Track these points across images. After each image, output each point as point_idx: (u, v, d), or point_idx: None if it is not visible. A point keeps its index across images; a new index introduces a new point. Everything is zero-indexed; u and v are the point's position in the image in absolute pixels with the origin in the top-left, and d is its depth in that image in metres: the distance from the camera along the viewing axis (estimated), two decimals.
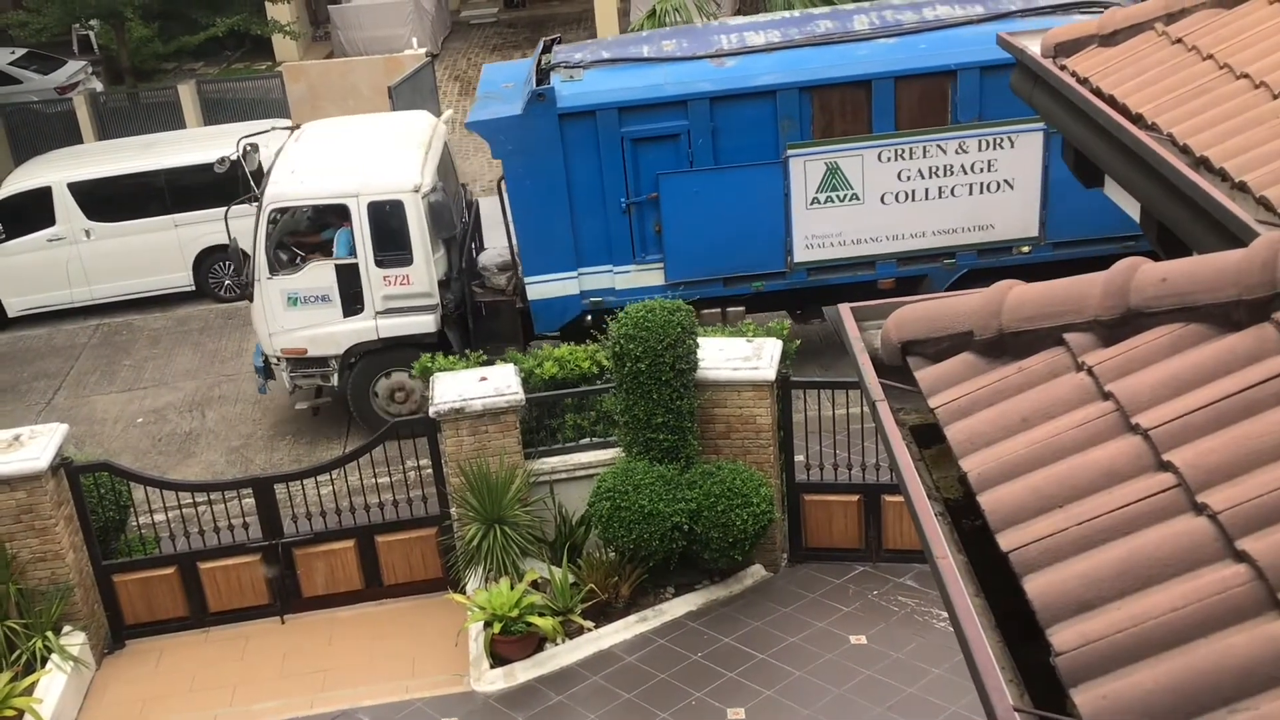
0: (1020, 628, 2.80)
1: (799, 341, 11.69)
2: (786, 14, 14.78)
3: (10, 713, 9.33)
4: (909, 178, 12.72)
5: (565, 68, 13.23)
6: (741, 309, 13.37)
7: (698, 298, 12.85)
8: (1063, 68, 6.28)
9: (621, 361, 9.91)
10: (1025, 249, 13.10)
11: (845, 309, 4.22)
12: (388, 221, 12.93)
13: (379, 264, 12.99)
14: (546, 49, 14.27)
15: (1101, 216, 12.64)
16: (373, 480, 11.13)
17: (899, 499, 10.17)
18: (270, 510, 10.69)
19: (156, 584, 10.72)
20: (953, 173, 12.69)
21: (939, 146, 12.59)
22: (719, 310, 13.25)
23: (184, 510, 10.89)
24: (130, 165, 17.42)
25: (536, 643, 9.93)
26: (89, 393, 15.64)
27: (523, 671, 9.72)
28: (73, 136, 21.54)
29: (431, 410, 10.31)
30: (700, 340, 10.32)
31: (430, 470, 10.75)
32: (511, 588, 9.92)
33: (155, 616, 10.79)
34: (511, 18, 30.38)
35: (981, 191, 12.79)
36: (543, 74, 13.24)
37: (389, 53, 22.93)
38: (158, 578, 10.72)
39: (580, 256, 13.17)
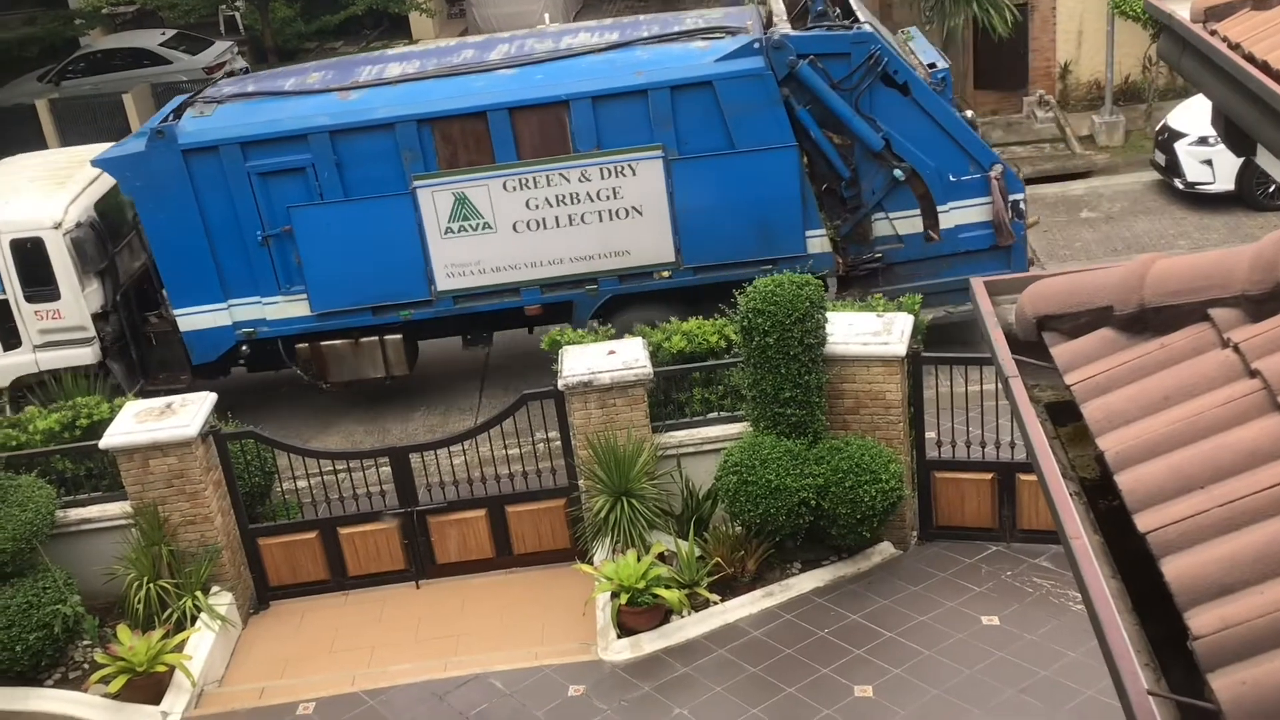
0: (1157, 610, 2.73)
1: (927, 318, 11.49)
2: (440, 44, 14.99)
3: (162, 668, 9.80)
4: (537, 206, 12.81)
5: (204, 102, 13.46)
6: (399, 337, 13.42)
7: (350, 326, 13.16)
8: (1213, 33, 6.01)
9: (750, 336, 9.88)
10: (665, 274, 13.12)
11: (978, 282, 4.14)
12: (31, 258, 13.18)
13: (29, 299, 13.29)
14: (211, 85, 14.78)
15: (736, 242, 12.88)
16: (503, 451, 11.34)
17: (1034, 478, 9.94)
18: (406, 479, 10.99)
19: (299, 548, 11.13)
20: (580, 200, 12.73)
21: (562, 175, 12.65)
22: (358, 341, 13.37)
23: (324, 477, 11.26)
24: None
25: (663, 614, 10.01)
26: None
27: (649, 642, 9.82)
28: None
29: (560, 383, 10.44)
30: (829, 315, 10.22)
31: (559, 442, 10.91)
32: (638, 559, 10.02)
33: (298, 579, 11.20)
34: None
35: (612, 218, 12.80)
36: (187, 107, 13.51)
37: (524, 28, 23.10)
38: (300, 542, 11.12)
39: (227, 288, 13.31)
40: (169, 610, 10.23)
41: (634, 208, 12.72)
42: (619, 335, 11.42)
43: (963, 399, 10.64)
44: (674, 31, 13.13)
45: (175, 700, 9.76)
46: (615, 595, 9.96)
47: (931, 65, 13.16)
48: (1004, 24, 17.67)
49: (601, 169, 12.58)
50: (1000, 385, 3.76)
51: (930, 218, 12.86)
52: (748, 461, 9.90)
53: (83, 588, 10.36)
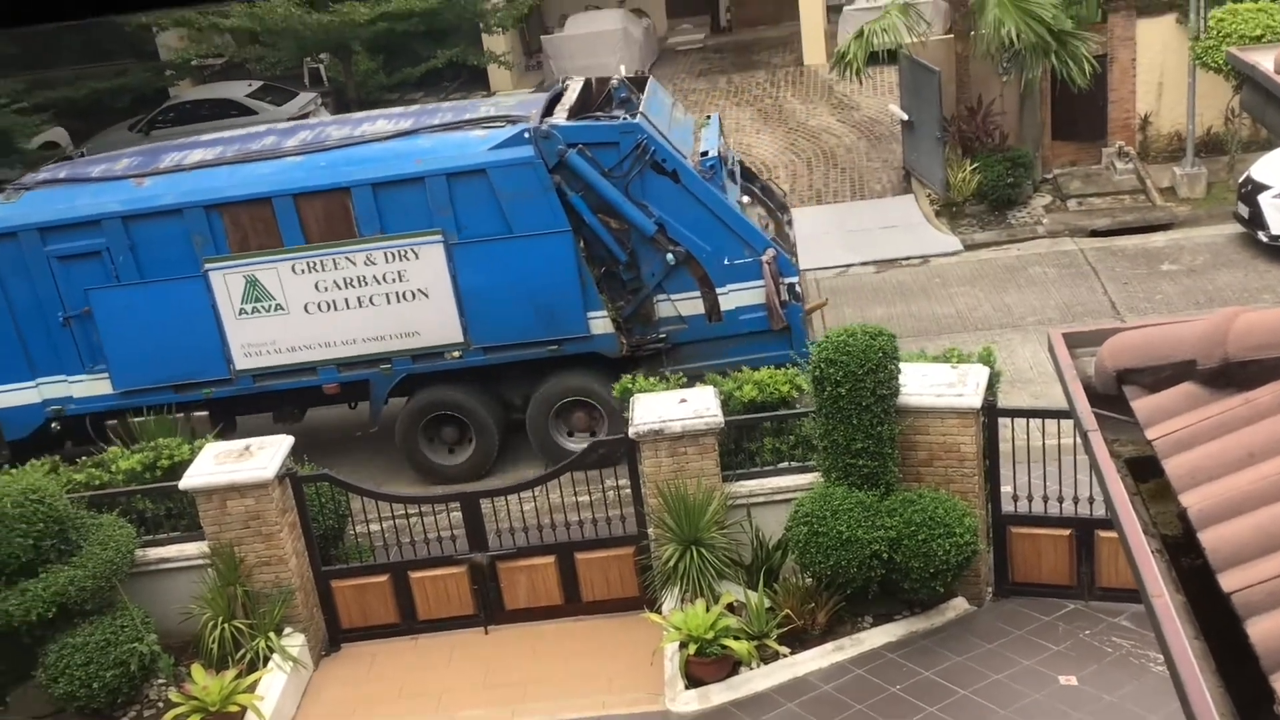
0: (1241, 672, 2.65)
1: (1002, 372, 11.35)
2: (246, 130, 15.36)
3: (235, 708, 9.91)
4: (326, 288, 13.05)
5: (15, 189, 13.84)
6: (205, 414, 13.57)
7: (156, 404, 13.32)
8: None
9: (821, 386, 9.83)
10: (456, 354, 13.26)
11: (1056, 334, 4.08)
12: None
13: None
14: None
15: (520, 323, 13.20)
16: (573, 498, 11.37)
17: (1114, 534, 9.73)
18: (476, 524, 11.05)
19: (370, 590, 11.22)
20: (367, 283, 12.98)
21: (347, 259, 12.90)
22: (183, 415, 13.51)
23: (396, 521, 11.36)
24: None
25: (731, 666, 9.91)
26: None
27: (717, 694, 9.72)
28: None
29: (631, 431, 10.45)
30: (903, 365, 10.14)
31: (629, 490, 10.90)
32: (707, 609, 9.95)
33: (368, 621, 11.29)
34: (718, 43, 30.63)
35: (399, 300, 13.03)
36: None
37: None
38: (371, 584, 11.22)
39: (34, 367, 13.50)
40: (243, 650, 10.35)
41: (420, 290, 13.00)
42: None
43: (1040, 452, 10.46)
44: (463, 119, 13.51)
45: None
46: (683, 645, 9.89)
47: (704, 153, 13.33)
48: (1082, 75, 17.54)
49: (385, 253, 12.88)
50: (1079, 439, 3.70)
51: (710, 300, 13.13)
52: (819, 512, 9.81)
53: (159, 626, 10.53)
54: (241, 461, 10.64)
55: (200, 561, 10.74)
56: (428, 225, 12.75)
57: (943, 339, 14.54)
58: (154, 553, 10.94)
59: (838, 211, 19.93)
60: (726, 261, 12.87)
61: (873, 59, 18.82)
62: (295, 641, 10.73)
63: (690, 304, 13.09)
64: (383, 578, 11.20)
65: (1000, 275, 17.24)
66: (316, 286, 13.01)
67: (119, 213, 13.08)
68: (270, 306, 13.08)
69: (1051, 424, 10.43)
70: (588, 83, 14.59)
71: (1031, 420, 10.58)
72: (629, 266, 13.03)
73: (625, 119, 12.91)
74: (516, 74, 28.29)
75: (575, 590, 11.17)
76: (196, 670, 10.06)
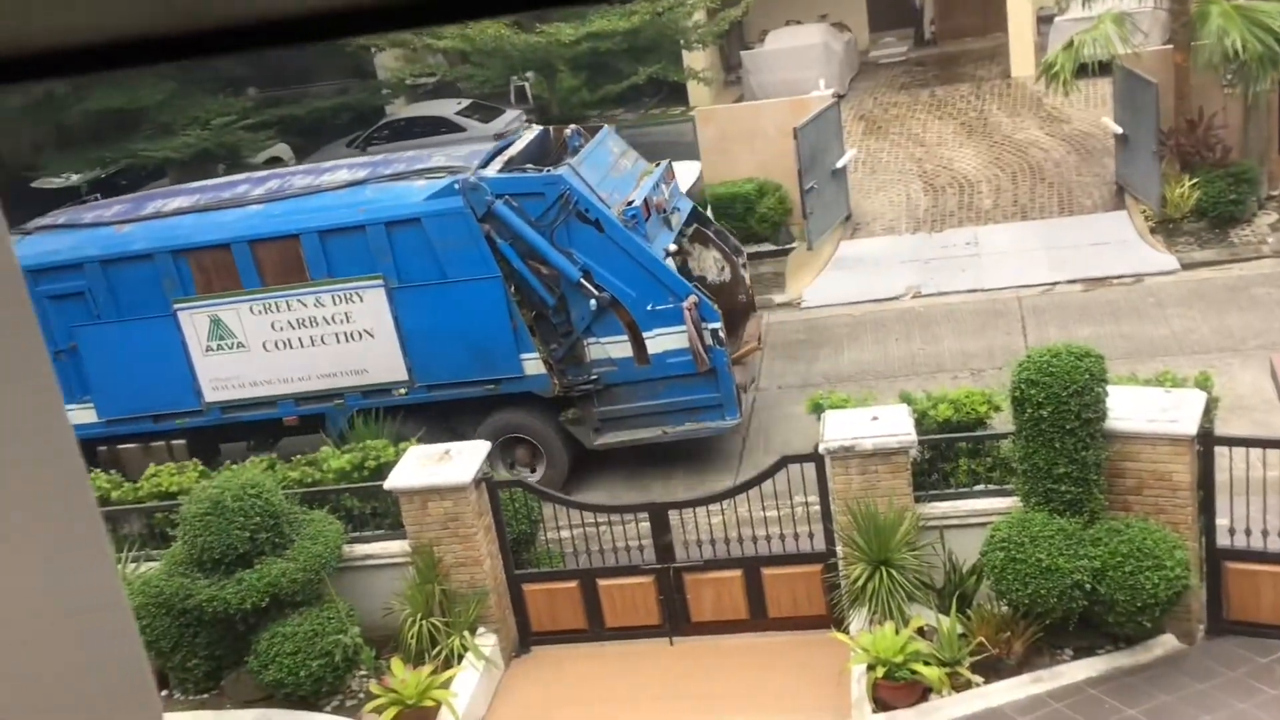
0: None
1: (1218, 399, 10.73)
2: (222, 180, 16.54)
3: (430, 703, 10.23)
4: (281, 328, 13.90)
5: (18, 232, 14.62)
6: (184, 443, 14.39)
7: (139, 433, 14.38)
8: None
9: (1022, 407, 9.50)
10: (402, 391, 13.94)
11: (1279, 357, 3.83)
12: None
13: None
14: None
15: (458, 363, 13.82)
16: (761, 513, 11.31)
17: None
18: (663, 535, 11.12)
19: (559, 596, 11.43)
20: (317, 323, 13.82)
21: (299, 301, 13.76)
22: (148, 445, 14.31)
23: (586, 529, 11.54)
24: None
25: (920, 692, 9.67)
26: None
27: None
28: None
29: (821, 447, 10.34)
30: (1111, 389, 9.71)
31: (818, 507, 10.78)
32: (896, 632, 9.74)
33: (558, 626, 11.50)
34: (921, 56, 30.08)
35: (348, 340, 13.85)
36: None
37: (797, 95, 23.39)
38: (561, 590, 11.43)
39: None
40: (439, 647, 10.68)
41: (365, 330, 13.80)
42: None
43: (1260, 484, 9.83)
44: (413, 169, 14.14)
45: None
46: (871, 667, 9.70)
47: (630, 203, 13.64)
48: None
49: (333, 295, 13.71)
50: None
51: (637, 344, 13.49)
52: (1017, 538, 9.48)
53: (362, 620, 10.97)
54: (441, 465, 11.01)
55: (401, 559, 11.16)
56: (371, 270, 13.65)
57: (1155, 362, 13.84)
58: (359, 549, 11.43)
59: (1044, 227, 19.24)
60: (650, 307, 13.33)
61: (1083, 70, 18.13)
62: (488, 641, 11.02)
63: (619, 347, 13.58)
64: (572, 584, 11.40)
65: (1220, 296, 16.30)
66: (273, 326, 13.99)
67: (98, 257, 14.24)
68: (233, 344, 14.14)
69: (1274, 454, 9.79)
70: (545, 131, 15.46)
71: (1252, 449, 9.95)
72: (558, 310, 13.54)
73: (549, 171, 13.55)
74: (715, 90, 28.46)
75: (761, 606, 11.10)
76: (396, 664, 10.45)
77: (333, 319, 13.85)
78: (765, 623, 11.12)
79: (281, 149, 27.82)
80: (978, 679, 9.66)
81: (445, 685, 10.37)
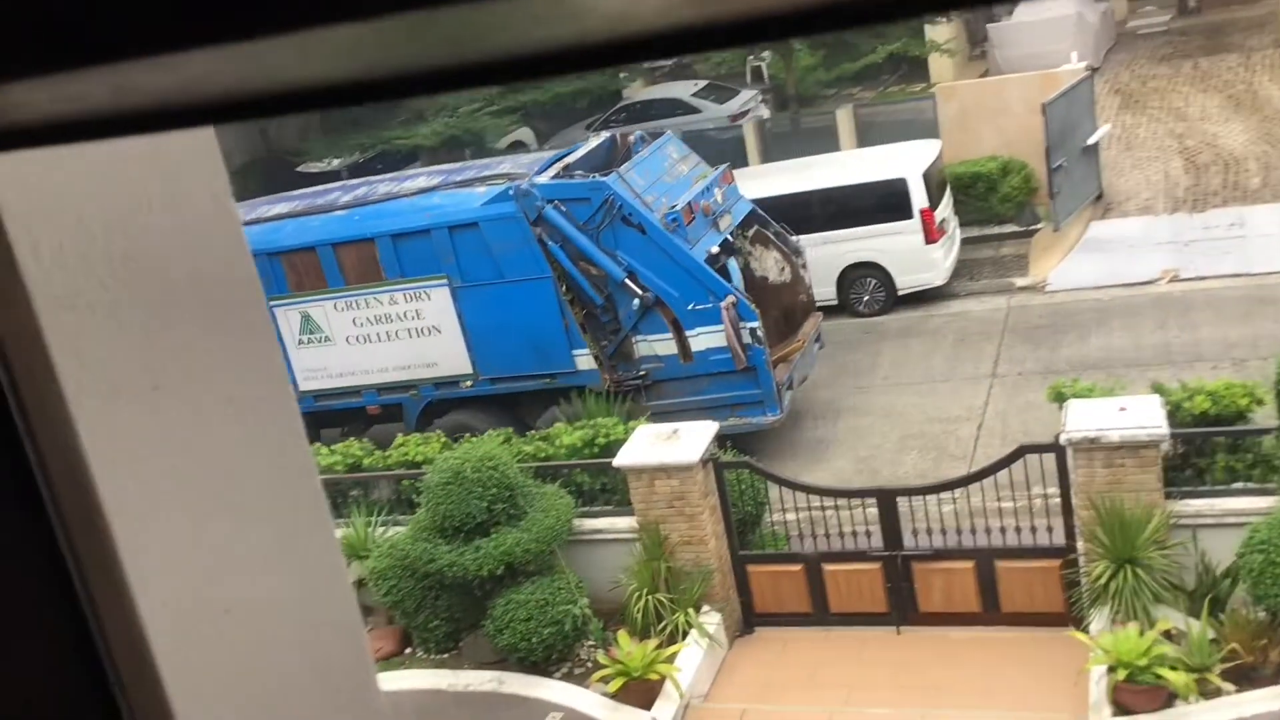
0: None
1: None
2: (320, 187, 17.40)
3: (654, 676, 10.42)
4: (361, 324, 14.95)
5: None
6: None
7: None
8: None
9: None
10: (468, 384, 14.82)
11: None
12: None
13: None
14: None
15: (517, 358, 14.60)
16: (996, 504, 10.94)
17: None
18: (892, 522, 10.91)
19: (784, 578, 11.39)
20: (392, 320, 14.80)
21: (375, 299, 14.78)
22: None
23: (813, 513, 11.45)
24: (788, 185, 18.65)
25: (1165, 697, 9.15)
26: None
27: None
28: (739, 160, 23.53)
29: (1063, 437, 9.90)
30: None
31: (1057, 500, 10.33)
32: (1141, 634, 9.24)
33: (782, 608, 11.47)
34: (1184, 25, 28.27)
35: (419, 335, 14.78)
36: None
37: (1047, 69, 22.37)
38: (786, 573, 11.39)
39: None
40: (663, 623, 10.84)
41: (434, 327, 14.71)
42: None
43: None
44: (479, 176, 14.89)
45: (664, 708, 10.32)
46: (1112, 669, 9.25)
47: (673, 206, 14.02)
48: None
49: (404, 294, 14.66)
50: None
51: (681, 341, 14.00)
52: (1277, 541, 8.83)
53: (590, 592, 11.25)
54: (669, 444, 11.15)
55: (628, 536, 11.38)
56: (437, 270, 14.45)
57: None
58: (589, 523, 11.71)
59: None
60: (691, 306, 13.87)
61: None
62: (712, 620, 11.11)
63: (665, 344, 14.18)
64: (797, 567, 11.34)
65: None
66: (354, 322, 15.01)
67: None
68: (321, 338, 15.19)
69: None
70: (611, 138, 16.00)
71: None
72: (606, 309, 14.19)
73: (595, 178, 14.06)
74: (958, 64, 27.56)
75: (994, 599, 10.75)
76: (623, 637, 10.67)
77: (405, 315, 14.86)
78: (997, 616, 10.77)
79: (524, 133, 28.70)
80: (1230, 687, 9.07)
81: (670, 660, 10.53)
